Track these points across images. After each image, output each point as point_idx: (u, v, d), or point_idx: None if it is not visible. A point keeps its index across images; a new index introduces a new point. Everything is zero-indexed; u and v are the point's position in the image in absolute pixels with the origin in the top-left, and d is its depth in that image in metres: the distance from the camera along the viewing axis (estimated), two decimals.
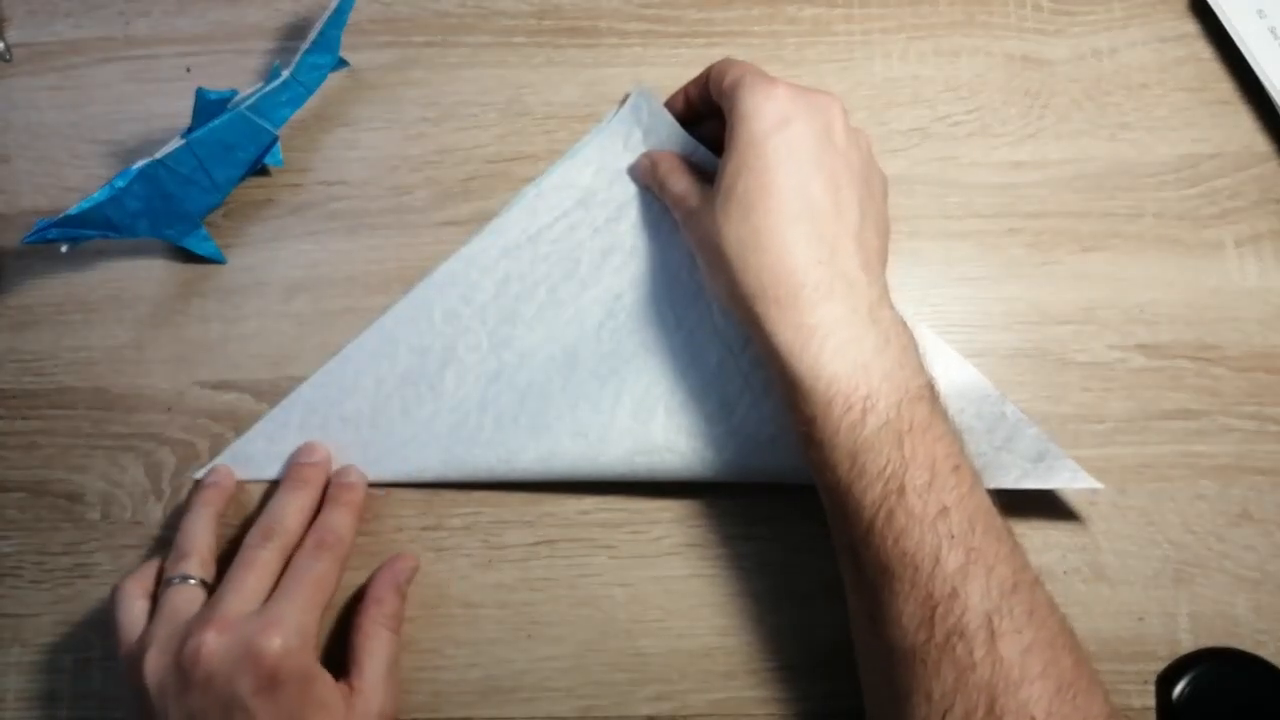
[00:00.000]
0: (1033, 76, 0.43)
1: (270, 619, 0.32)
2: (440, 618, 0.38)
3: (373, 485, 0.39)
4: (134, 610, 0.34)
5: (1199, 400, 0.39)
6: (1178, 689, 0.36)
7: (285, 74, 0.40)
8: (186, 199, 0.39)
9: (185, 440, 0.40)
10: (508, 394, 0.39)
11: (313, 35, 0.40)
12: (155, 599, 0.35)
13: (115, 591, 0.35)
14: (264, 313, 0.41)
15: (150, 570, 0.36)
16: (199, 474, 0.39)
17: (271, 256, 0.42)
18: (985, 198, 0.41)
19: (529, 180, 0.42)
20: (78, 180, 0.43)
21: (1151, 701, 0.36)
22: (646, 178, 0.40)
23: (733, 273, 0.33)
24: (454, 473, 0.39)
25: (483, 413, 0.39)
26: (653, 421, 0.39)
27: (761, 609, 0.38)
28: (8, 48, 0.45)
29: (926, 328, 0.39)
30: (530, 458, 0.38)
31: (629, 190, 0.41)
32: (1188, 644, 0.37)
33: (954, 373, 0.39)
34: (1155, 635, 0.37)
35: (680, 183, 0.38)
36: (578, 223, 0.41)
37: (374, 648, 0.35)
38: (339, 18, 0.41)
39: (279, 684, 0.31)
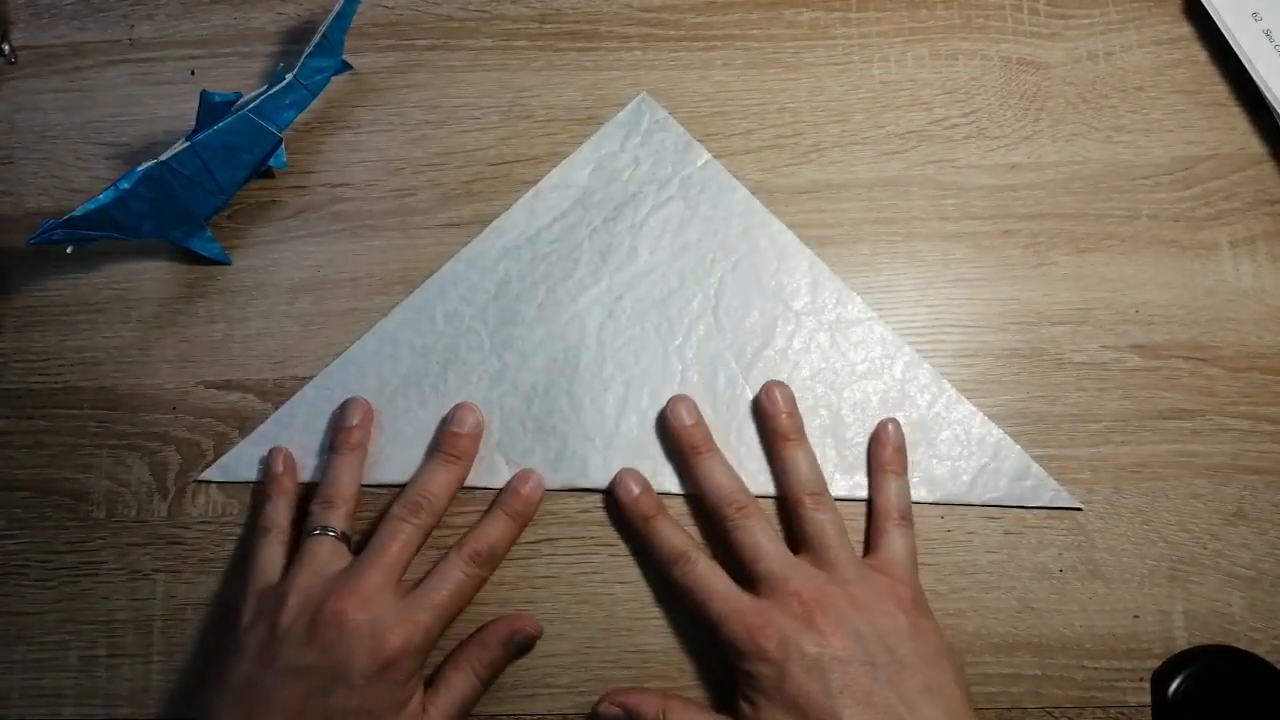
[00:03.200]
0: (1029, 79, 0.43)
1: (407, 616, 0.33)
2: None
3: (376, 486, 0.39)
4: (273, 557, 0.36)
5: (1194, 400, 0.39)
6: (1173, 686, 0.36)
7: (289, 77, 0.40)
8: (191, 201, 0.39)
9: (190, 440, 0.40)
10: (512, 396, 0.40)
11: (316, 38, 0.40)
12: (295, 544, 0.36)
13: (255, 539, 0.37)
14: (268, 313, 0.42)
15: (283, 516, 0.37)
16: (202, 475, 0.40)
17: (275, 258, 0.42)
18: (981, 199, 0.42)
19: (530, 183, 0.42)
20: (83, 182, 0.43)
21: (1147, 699, 0.37)
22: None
23: None
24: None
25: (488, 414, 0.40)
26: (659, 432, 0.39)
27: None
28: (13, 50, 0.45)
29: (911, 348, 0.40)
30: (537, 459, 0.39)
31: (627, 190, 0.42)
32: (1183, 642, 0.37)
33: (941, 396, 0.39)
34: (1150, 633, 0.37)
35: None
36: (576, 223, 0.42)
37: (458, 684, 0.35)
38: (342, 21, 0.41)
39: (387, 677, 0.32)
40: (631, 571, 0.38)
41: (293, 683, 0.32)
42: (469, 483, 0.39)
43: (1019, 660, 0.37)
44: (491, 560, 0.36)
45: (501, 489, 0.38)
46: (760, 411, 0.39)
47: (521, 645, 0.37)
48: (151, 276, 0.42)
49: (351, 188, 0.43)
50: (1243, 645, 0.37)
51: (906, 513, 0.37)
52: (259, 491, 0.39)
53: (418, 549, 0.36)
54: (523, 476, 0.38)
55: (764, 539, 0.36)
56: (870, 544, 0.37)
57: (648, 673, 0.37)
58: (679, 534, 0.37)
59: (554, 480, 0.39)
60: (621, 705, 0.35)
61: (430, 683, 0.35)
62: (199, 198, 0.40)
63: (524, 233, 0.42)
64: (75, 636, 0.39)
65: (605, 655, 0.38)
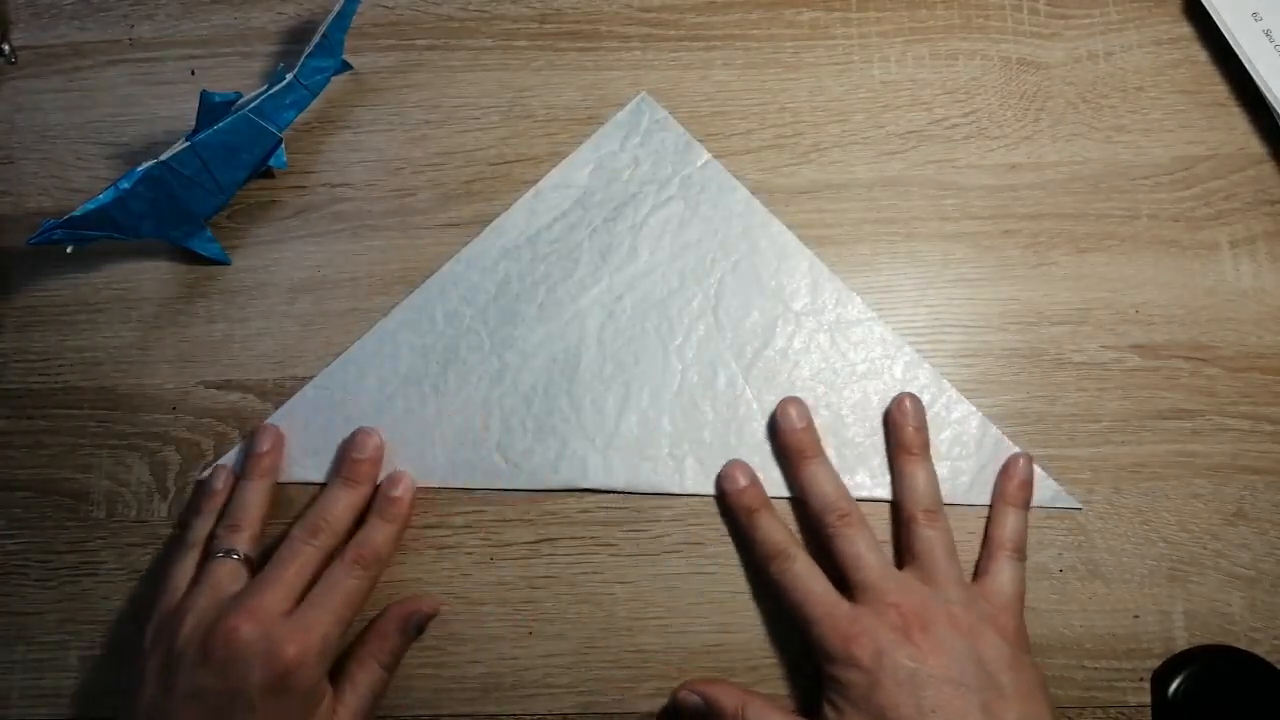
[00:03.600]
0: (1029, 79, 0.43)
1: (300, 626, 0.33)
2: (442, 615, 0.38)
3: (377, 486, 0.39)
4: (183, 571, 0.36)
5: (1194, 400, 0.39)
6: (1173, 686, 0.36)
7: (289, 77, 0.40)
8: (191, 201, 0.39)
9: (190, 439, 0.40)
10: (512, 396, 0.40)
11: (316, 38, 0.40)
12: (200, 565, 0.36)
13: (171, 553, 0.37)
14: (268, 313, 0.42)
15: (204, 533, 0.37)
16: (202, 475, 0.40)
17: (275, 258, 0.42)
18: (981, 199, 0.42)
19: (530, 183, 0.42)
20: (83, 182, 0.43)
21: (1147, 699, 0.37)
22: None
23: None
24: (461, 476, 0.39)
25: (488, 414, 0.40)
26: (659, 432, 0.39)
27: (761, 607, 0.38)
28: (13, 50, 0.45)
29: (911, 348, 0.40)
30: (537, 460, 0.39)
31: (627, 190, 0.42)
32: (1183, 641, 0.37)
33: (941, 396, 0.39)
34: (1150, 633, 0.37)
35: None
36: (576, 223, 0.42)
37: (363, 678, 0.35)
38: (342, 21, 0.41)
39: (287, 690, 0.32)
40: (632, 571, 0.38)
41: (192, 707, 0.32)
42: (474, 484, 0.39)
43: None
44: (377, 563, 0.36)
45: (376, 494, 0.38)
46: (889, 421, 0.38)
47: (419, 626, 0.37)
48: (151, 276, 0.42)
49: (351, 188, 0.43)
50: (1243, 645, 0.37)
51: (1020, 545, 0.37)
52: (195, 497, 0.39)
53: (318, 571, 0.35)
54: (393, 479, 0.38)
55: (865, 548, 0.35)
56: (979, 570, 0.37)
57: (647, 672, 0.38)
58: (782, 530, 0.37)
59: (554, 480, 0.39)
60: (701, 695, 0.35)
61: (335, 682, 0.35)
62: (199, 198, 0.40)
63: (524, 233, 0.42)
64: (75, 636, 0.39)
65: (605, 655, 0.38)
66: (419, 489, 0.39)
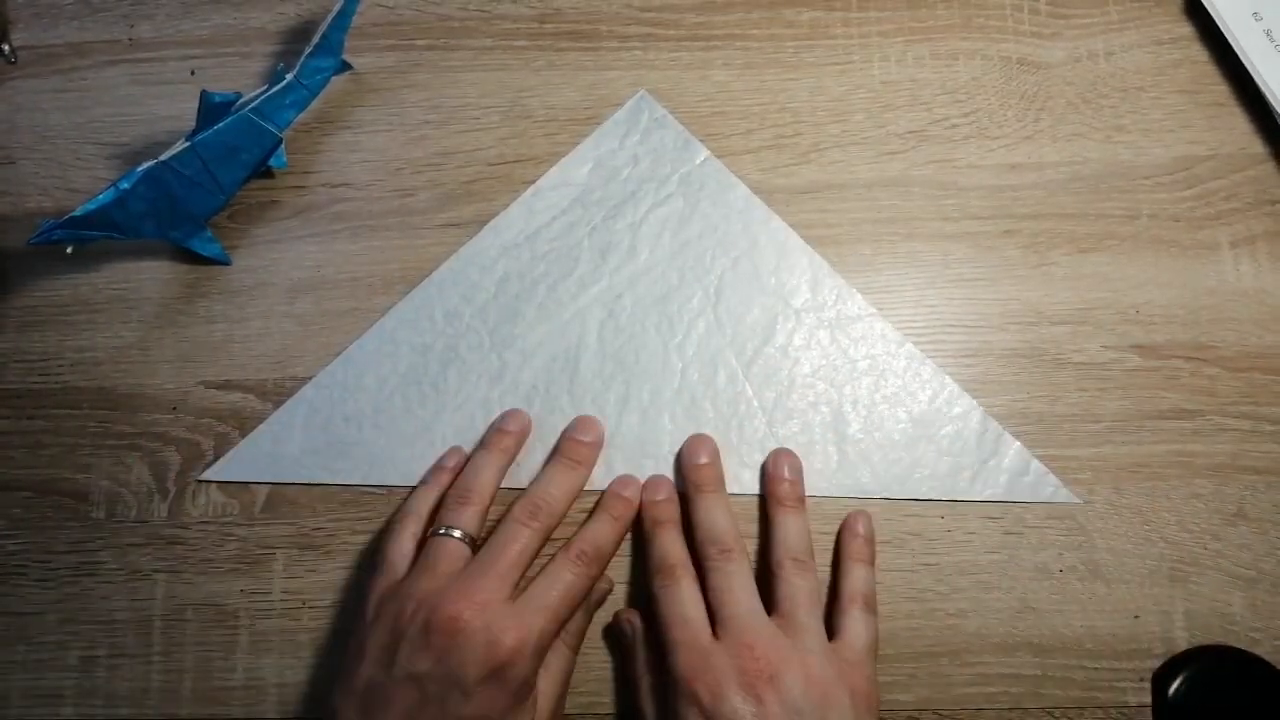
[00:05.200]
0: (1029, 79, 0.43)
1: (520, 618, 0.33)
2: None
3: (374, 486, 0.39)
4: (404, 550, 0.36)
5: (1194, 400, 0.39)
6: (1173, 686, 0.36)
7: (289, 77, 0.40)
8: (191, 201, 0.39)
9: (190, 440, 0.40)
10: (512, 395, 0.40)
11: (316, 38, 0.40)
12: (424, 540, 0.36)
13: (392, 526, 0.37)
14: (268, 313, 0.42)
15: (427, 506, 0.37)
16: (202, 475, 0.40)
17: (276, 258, 0.42)
18: (982, 200, 0.42)
19: (531, 182, 0.42)
20: (83, 182, 0.43)
21: (1148, 699, 0.37)
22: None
23: None
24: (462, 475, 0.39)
25: (488, 413, 0.40)
26: (660, 430, 0.39)
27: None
28: (13, 50, 0.45)
29: (911, 344, 0.40)
30: (538, 458, 0.39)
31: (626, 188, 0.42)
32: (1183, 642, 0.37)
33: (942, 391, 0.39)
34: (1151, 633, 0.37)
35: None
36: (575, 221, 0.42)
37: (553, 661, 0.35)
38: (342, 21, 0.41)
39: (503, 681, 0.32)
40: (632, 571, 0.38)
41: (410, 689, 0.32)
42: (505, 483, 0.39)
43: (1019, 660, 0.37)
44: (599, 560, 0.36)
45: (605, 491, 0.38)
46: (766, 474, 0.38)
47: (598, 603, 0.37)
48: (151, 277, 0.42)
49: (352, 188, 0.43)
50: (1243, 645, 0.37)
51: (871, 599, 0.36)
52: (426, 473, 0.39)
53: (536, 553, 0.35)
54: (624, 481, 0.38)
55: (738, 585, 0.35)
56: (832, 627, 0.36)
57: None
58: (681, 553, 0.36)
59: None
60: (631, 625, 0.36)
61: None
62: (199, 198, 0.40)
63: (523, 231, 0.42)
64: (75, 636, 0.39)
65: (605, 655, 0.38)
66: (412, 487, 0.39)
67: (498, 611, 0.33)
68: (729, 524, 0.37)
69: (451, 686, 0.32)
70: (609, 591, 0.38)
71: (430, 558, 0.35)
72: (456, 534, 0.35)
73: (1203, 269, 0.40)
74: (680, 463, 0.39)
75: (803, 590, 0.35)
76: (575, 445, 0.38)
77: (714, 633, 0.34)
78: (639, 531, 0.38)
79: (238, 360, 0.41)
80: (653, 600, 0.36)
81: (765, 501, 0.38)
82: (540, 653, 0.33)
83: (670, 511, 0.38)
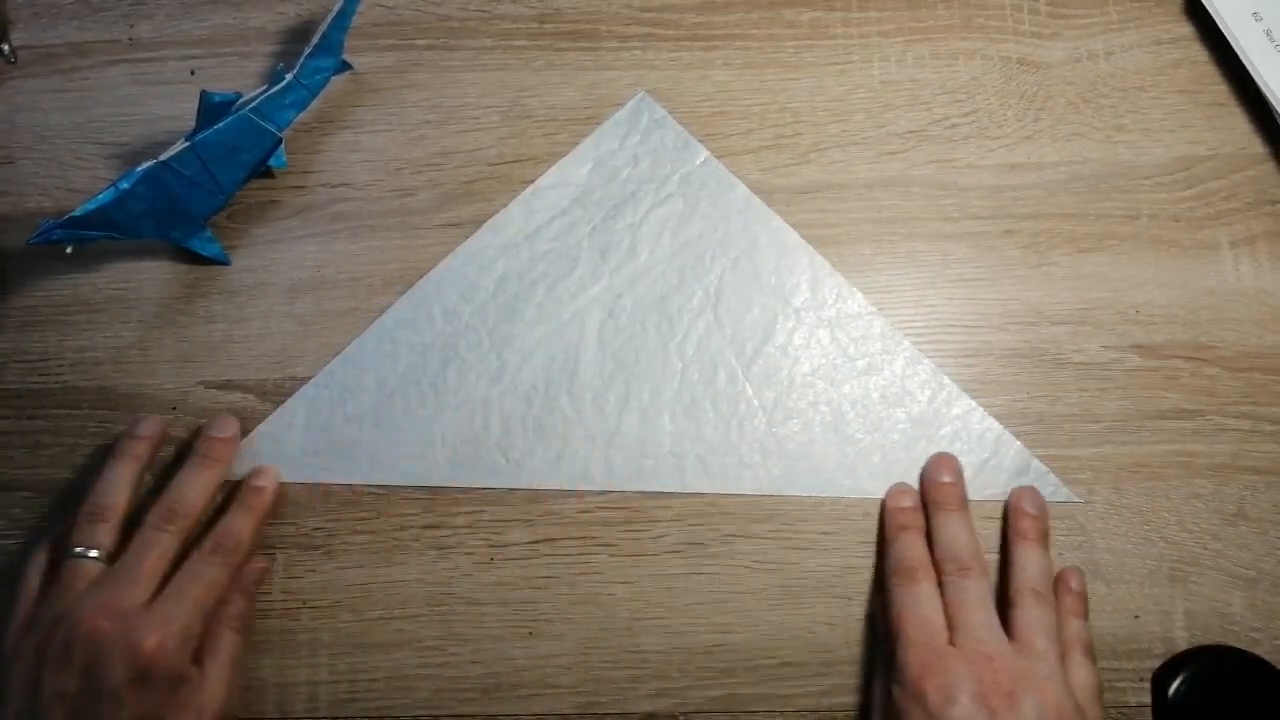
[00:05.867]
0: (1029, 79, 0.43)
1: (159, 617, 0.33)
2: (443, 615, 0.38)
3: (376, 486, 0.39)
4: (32, 582, 0.35)
5: (1194, 400, 0.39)
6: (1173, 687, 0.36)
7: (289, 77, 0.40)
8: (191, 201, 0.39)
9: (190, 440, 0.40)
10: (511, 395, 0.40)
11: (316, 38, 0.40)
12: (54, 563, 0.35)
13: (26, 560, 0.36)
14: (268, 313, 0.42)
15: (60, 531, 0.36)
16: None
17: (275, 258, 0.42)
18: (981, 200, 0.42)
19: (530, 182, 0.42)
20: (83, 182, 0.43)
21: (1147, 699, 0.37)
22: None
23: None
24: (462, 475, 0.39)
25: (488, 413, 0.40)
26: (660, 430, 0.39)
27: (760, 607, 0.38)
28: (13, 50, 0.45)
29: (911, 343, 0.40)
30: (538, 459, 0.39)
31: (626, 189, 0.42)
32: (1183, 642, 0.37)
33: (941, 391, 0.39)
34: (1151, 633, 0.37)
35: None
36: (575, 221, 0.42)
37: (216, 647, 0.35)
38: (342, 21, 0.41)
39: (152, 681, 0.32)
40: (632, 571, 0.38)
41: (59, 709, 0.31)
42: (475, 483, 0.39)
43: None
44: (238, 550, 0.36)
45: (239, 486, 0.38)
46: (1010, 509, 0.38)
47: (257, 583, 0.38)
48: (151, 276, 0.42)
49: (351, 188, 0.43)
50: (1243, 645, 0.37)
51: (1090, 647, 0.35)
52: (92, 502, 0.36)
53: (175, 559, 0.35)
54: (260, 471, 0.39)
55: (975, 600, 0.34)
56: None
57: (647, 672, 0.37)
58: (923, 555, 0.36)
59: (556, 479, 0.39)
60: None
61: (194, 659, 0.34)
62: (199, 198, 0.40)
63: (522, 230, 0.42)
64: None
65: (605, 655, 0.38)
66: (420, 487, 0.39)
67: (136, 616, 0.32)
68: (970, 541, 0.36)
69: (100, 698, 0.31)
70: (266, 570, 0.38)
71: (67, 578, 0.34)
72: (93, 554, 0.35)
73: (1203, 269, 0.40)
74: (923, 479, 0.38)
75: (1042, 621, 0.34)
76: (210, 443, 0.38)
77: (952, 641, 0.33)
78: (881, 537, 0.38)
79: (238, 360, 0.41)
80: (887, 597, 0.35)
81: (1009, 535, 0.37)
82: (187, 644, 0.33)
83: (915, 519, 0.37)
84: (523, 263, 0.41)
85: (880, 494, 0.38)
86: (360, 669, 0.38)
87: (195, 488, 0.37)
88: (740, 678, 0.37)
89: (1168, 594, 0.37)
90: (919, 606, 0.34)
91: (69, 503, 0.40)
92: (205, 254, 0.42)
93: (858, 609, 0.38)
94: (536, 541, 0.39)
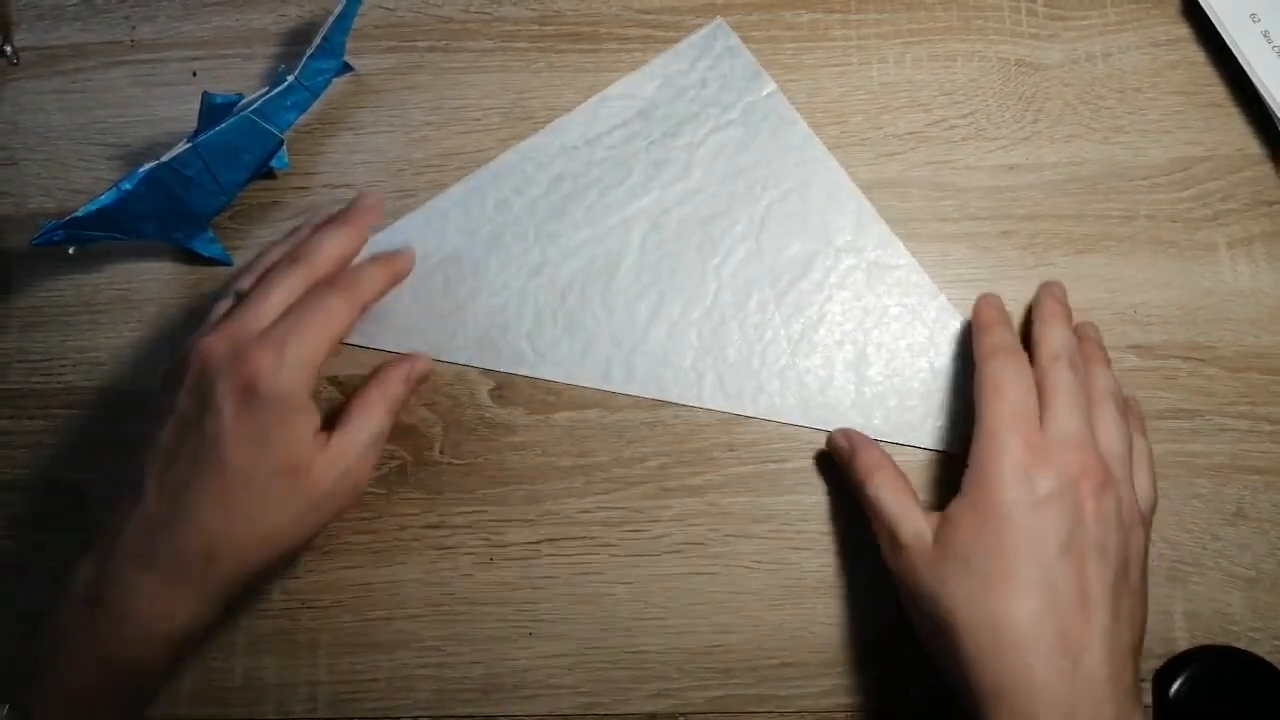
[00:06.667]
0: (1027, 80, 0.43)
1: (269, 335, 0.33)
2: (443, 615, 0.38)
3: (378, 483, 0.39)
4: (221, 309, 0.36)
5: (1192, 400, 0.39)
6: (1174, 687, 0.36)
7: (290, 78, 0.40)
8: (193, 202, 0.40)
9: None
10: (548, 289, 0.41)
11: (317, 40, 0.41)
12: None
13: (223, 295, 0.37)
14: None
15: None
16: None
17: None
18: (980, 201, 0.42)
19: None
20: (85, 183, 0.43)
21: (1148, 699, 0.37)
22: (842, 459, 0.37)
23: (965, 662, 0.31)
24: (488, 358, 0.40)
25: (522, 302, 0.40)
26: (685, 344, 0.40)
27: (761, 607, 0.38)
28: (15, 51, 0.45)
29: (945, 298, 0.40)
30: (563, 353, 0.40)
31: (690, 109, 0.42)
32: (1183, 642, 0.37)
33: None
34: (1151, 633, 0.37)
35: (894, 502, 0.34)
36: (635, 133, 0.42)
37: (365, 418, 0.35)
38: (343, 22, 0.41)
39: (255, 396, 0.32)
40: (632, 571, 0.38)
41: (172, 424, 0.33)
42: (499, 368, 0.40)
43: None
44: (361, 291, 0.36)
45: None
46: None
47: (420, 379, 0.38)
48: (153, 277, 0.42)
49: (353, 189, 0.43)
50: (1243, 645, 0.37)
51: (1121, 400, 0.35)
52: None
53: (298, 296, 0.35)
54: (397, 254, 0.39)
55: (1070, 395, 0.33)
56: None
57: (648, 673, 0.38)
58: (1014, 339, 0.36)
59: (576, 376, 0.40)
60: (850, 443, 0.37)
61: (333, 425, 0.35)
62: (201, 199, 0.40)
63: (583, 135, 0.42)
64: None
65: (605, 655, 0.38)
66: (439, 361, 0.40)
67: (249, 340, 0.33)
68: (1071, 344, 0.36)
69: (205, 411, 0.32)
70: (429, 372, 0.39)
71: (211, 315, 0.36)
72: (233, 297, 0.36)
73: (1200, 269, 0.41)
74: (1037, 301, 0.39)
75: (1121, 429, 0.34)
76: (355, 210, 0.38)
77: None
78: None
79: None
80: (978, 371, 0.35)
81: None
82: (298, 371, 0.33)
83: (1004, 317, 0.37)
84: (579, 165, 0.42)
85: (893, 438, 0.39)
86: (360, 669, 0.38)
87: (329, 240, 0.37)
88: (741, 678, 0.37)
89: (1167, 594, 0.37)
90: (1014, 391, 0.33)
91: (71, 503, 0.40)
92: (207, 255, 0.42)
93: (858, 609, 0.38)
94: (537, 542, 0.39)
